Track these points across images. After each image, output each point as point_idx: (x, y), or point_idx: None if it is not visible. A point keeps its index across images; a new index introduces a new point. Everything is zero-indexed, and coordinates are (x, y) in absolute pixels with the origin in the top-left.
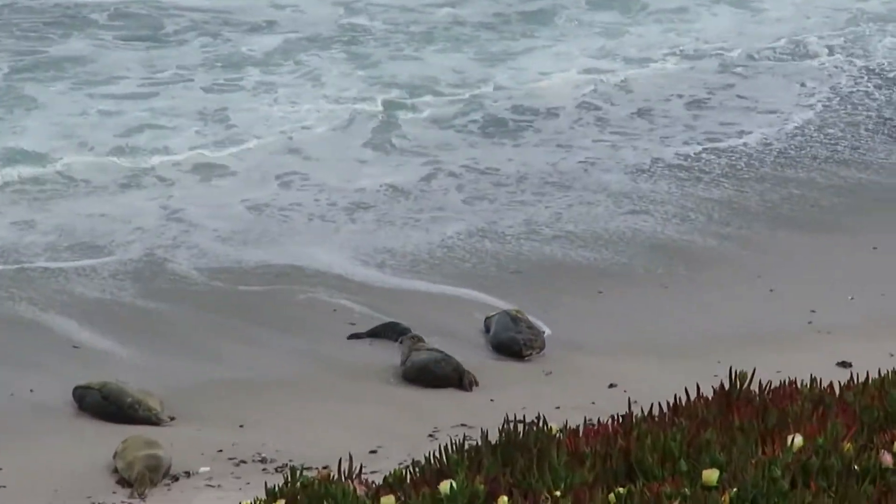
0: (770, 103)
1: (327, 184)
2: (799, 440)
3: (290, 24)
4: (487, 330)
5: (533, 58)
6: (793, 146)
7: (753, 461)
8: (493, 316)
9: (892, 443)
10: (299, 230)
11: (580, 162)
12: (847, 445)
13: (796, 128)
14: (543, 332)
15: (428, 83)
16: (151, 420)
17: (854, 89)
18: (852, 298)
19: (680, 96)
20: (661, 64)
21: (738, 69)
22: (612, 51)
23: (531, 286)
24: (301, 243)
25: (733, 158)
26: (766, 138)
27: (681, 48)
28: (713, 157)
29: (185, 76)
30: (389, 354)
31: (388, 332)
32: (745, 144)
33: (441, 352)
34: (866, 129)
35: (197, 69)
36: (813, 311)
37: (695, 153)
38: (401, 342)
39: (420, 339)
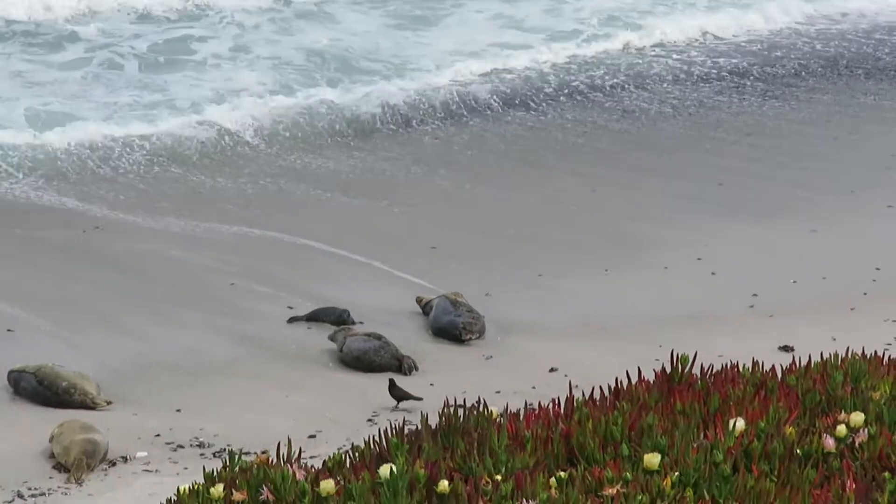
0: None
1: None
2: (741, 424)
3: None
4: (426, 314)
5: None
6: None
7: (695, 445)
8: (431, 300)
9: (834, 427)
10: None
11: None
12: (789, 429)
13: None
14: (483, 316)
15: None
16: (87, 404)
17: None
18: (795, 282)
19: None
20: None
21: None
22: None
23: (469, 268)
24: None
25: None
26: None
27: None
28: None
29: None
30: (328, 338)
31: (327, 315)
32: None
33: (378, 336)
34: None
35: None
36: (755, 295)
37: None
38: (333, 334)
39: (351, 328)
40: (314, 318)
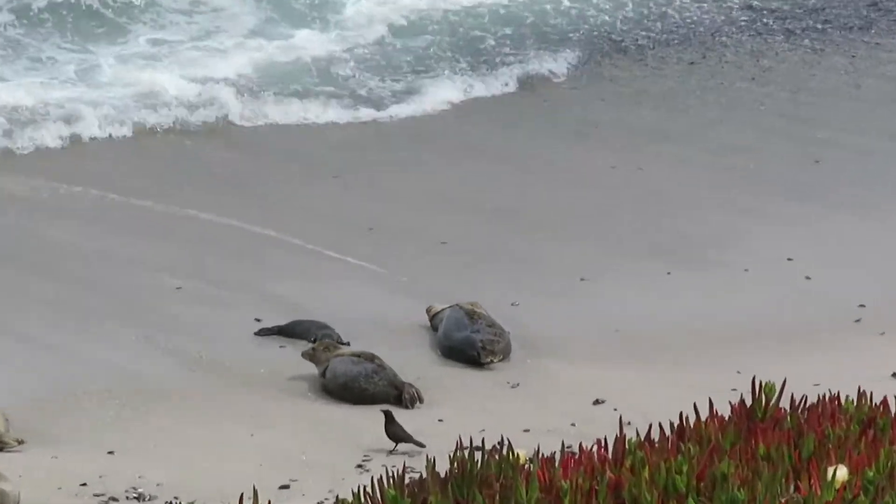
0: None
1: None
2: (843, 473)
3: None
4: (435, 328)
5: None
6: None
7: (783, 500)
8: (442, 310)
9: None
10: None
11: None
12: None
13: None
14: (507, 332)
15: None
16: None
17: None
18: None
19: None
20: None
21: None
22: None
23: (485, 270)
24: None
25: None
26: None
27: None
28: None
29: None
30: (305, 357)
31: (305, 330)
32: None
33: (372, 357)
34: None
35: None
36: (862, 306)
37: None
38: (311, 350)
39: (335, 345)
40: (288, 332)
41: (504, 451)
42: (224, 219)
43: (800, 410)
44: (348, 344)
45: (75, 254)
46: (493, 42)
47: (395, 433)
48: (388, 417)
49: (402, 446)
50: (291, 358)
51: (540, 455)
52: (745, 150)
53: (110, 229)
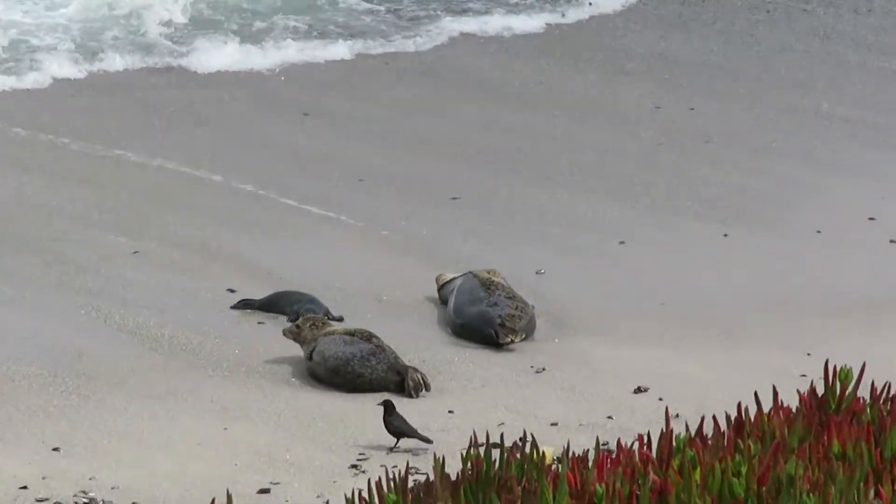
0: None
1: None
2: None
3: None
4: (445, 302)
5: None
6: None
7: None
8: (453, 280)
9: None
10: None
11: None
12: None
13: None
14: (531, 306)
15: None
16: None
17: None
18: None
19: None
20: None
21: None
22: None
23: (505, 232)
24: None
25: None
26: None
27: None
28: None
29: None
30: (287, 334)
31: (290, 304)
32: None
33: (368, 336)
34: None
35: None
36: None
37: None
38: (295, 327)
39: (324, 321)
40: (268, 306)
41: (527, 449)
42: (189, 169)
43: (882, 400)
44: (340, 320)
45: (6, 207)
46: None
47: (397, 427)
48: (388, 408)
49: (405, 442)
50: (272, 336)
51: (570, 454)
52: (815, 87)
53: (49, 179)
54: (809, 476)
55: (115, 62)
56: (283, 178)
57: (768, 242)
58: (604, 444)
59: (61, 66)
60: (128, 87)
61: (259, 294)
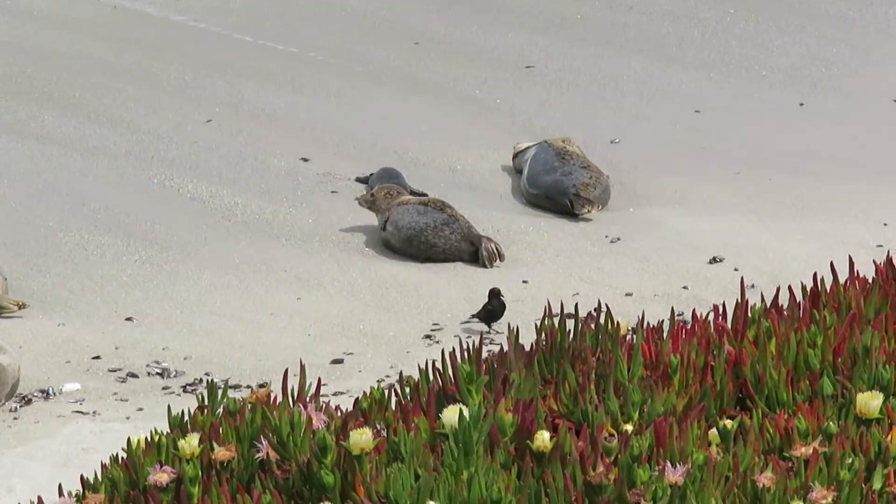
0: None
1: None
2: None
3: None
4: (519, 171)
5: None
6: None
7: None
8: (527, 149)
9: None
10: None
11: None
12: None
13: None
14: (606, 176)
15: None
16: None
17: None
18: None
19: None
20: None
21: None
22: None
23: (578, 98)
24: None
25: None
26: None
27: None
28: None
29: None
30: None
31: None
32: None
33: (441, 206)
34: None
35: None
36: None
37: None
38: (369, 195)
39: (399, 190)
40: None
41: (601, 320)
42: (255, 38)
43: None
44: (421, 193)
45: (79, 73)
46: None
47: (495, 311)
48: (494, 295)
49: (479, 324)
50: (345, 206)
51: (645, 324)
52: None
53: (120, 46)
54: (885, 347)
55: None
56: (351, 46)
57: (845, 111)
58: (679, 315)
59: None
60: None
61: (334, 164)
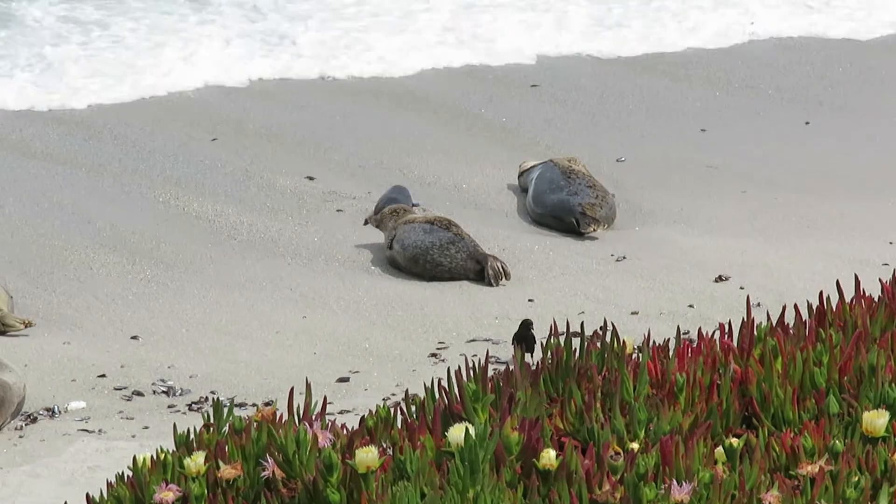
0: None
1: None
2: None
3: None
4: (525, 189)
5: None
6: None
7: None
8: (533, 167)
9: None
10: None
11: None
12: None
13: None
14: (612, 195)
15: None
16: None
17: None
18: None
19: None
20: None
21: None
22: None
23: (585, 117)
24: None
25: None
26: None
27: None
28: None
29: None
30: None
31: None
32: None
33: (447, 224)
34: None
35: None
36: None
37: None
38: (376, 214)
39: (405, 209)
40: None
41: (607, 338)
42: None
43: None
44: (417, 206)
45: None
46: None
47: (528, 342)
48: (525, 327)
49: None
50: (351, 224)
51: (651, 343)
52: None
53: None
54: (891, 366)
55: None
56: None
57: (850, 130)
58: (684, 333)
59: None
60: None
61: (339, 183)
